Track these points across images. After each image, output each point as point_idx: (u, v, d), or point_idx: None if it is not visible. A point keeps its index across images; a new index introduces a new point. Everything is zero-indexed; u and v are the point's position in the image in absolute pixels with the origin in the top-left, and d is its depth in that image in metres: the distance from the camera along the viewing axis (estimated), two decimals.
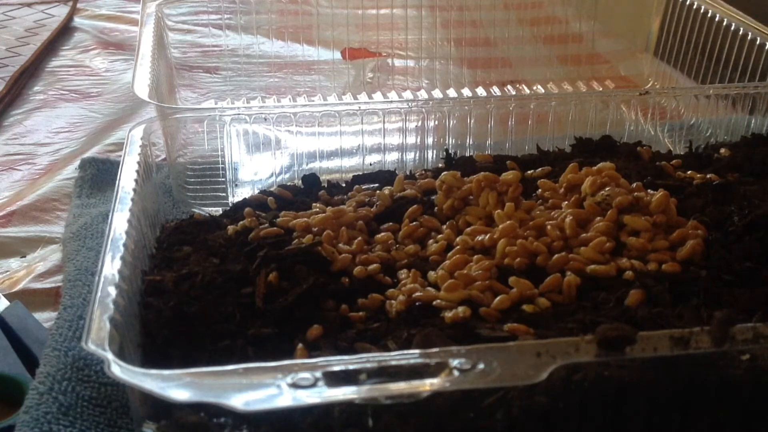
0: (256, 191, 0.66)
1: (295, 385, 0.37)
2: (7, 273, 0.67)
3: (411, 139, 0.73)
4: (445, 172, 0.61)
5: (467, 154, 0.70)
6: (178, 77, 0.94)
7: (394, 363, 0.39)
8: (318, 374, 0.38)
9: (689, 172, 0.65)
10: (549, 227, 0.55)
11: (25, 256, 0.69)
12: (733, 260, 0.53)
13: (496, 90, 0.90)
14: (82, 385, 0.50)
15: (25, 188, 0.79)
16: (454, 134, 0.73)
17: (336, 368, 0.39)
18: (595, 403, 0.43)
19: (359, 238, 0.56)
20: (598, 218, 0.56)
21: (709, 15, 0.86)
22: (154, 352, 0.46)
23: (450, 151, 0.70)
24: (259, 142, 0.70)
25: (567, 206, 0.58)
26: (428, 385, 0.38)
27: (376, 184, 0.66)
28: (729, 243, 0.55)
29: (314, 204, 0.62)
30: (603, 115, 0.75)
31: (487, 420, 0.42)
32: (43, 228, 0.72)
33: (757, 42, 0.79)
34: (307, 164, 0.71)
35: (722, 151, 0.70)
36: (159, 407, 0.40)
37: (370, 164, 0.72)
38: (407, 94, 0.91)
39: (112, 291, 0.43)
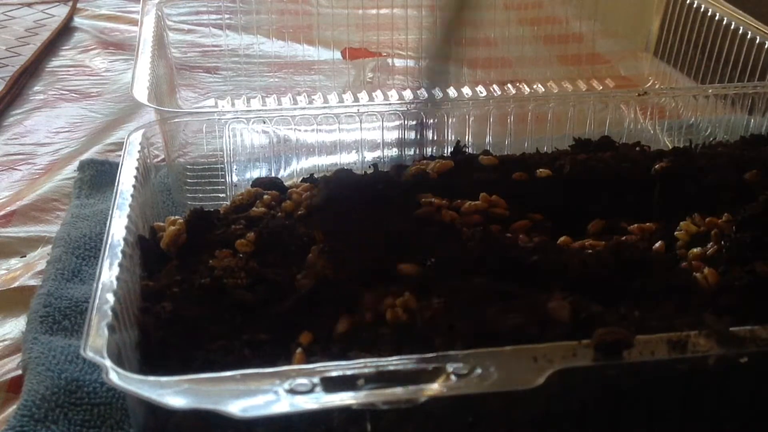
0: None
1: (292, 391, 0.38)
2: (6, 271, 0.67)
3: (410, 140, 0.72)
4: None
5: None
6: (179, 77, 0.93)
7: (391, 368, 0.39)
8: (316, 380, 0.38)
9: None
10: None
11: (24, 256, 0.69)
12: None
13: (496, 89, 0.90)
14: (75, 409, 0.50)
15: (25, 188, 0.79)
16: (453, 134, 0.73)
17: (334, 374, 0.39)
18: (593, 407, 0.43)
19: None
20: None
21: (709, 14, 0.86)
22: (151, 354, 0.46)
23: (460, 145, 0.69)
24: (259, 142, 0.70)
25: None
26: (426, 390, 0.38)
27: None
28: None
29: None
30: (602, 115, 0.75)
31: (486, 424, 0.42)
32: (43, 228, 0.72)
33: (757, 41, 0.79)
34: (306, 165, 0.71)
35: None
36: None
37: (369, 165, 0.72)
38: (407, 94, 0.91)
39: (110, 298, 0.43)
